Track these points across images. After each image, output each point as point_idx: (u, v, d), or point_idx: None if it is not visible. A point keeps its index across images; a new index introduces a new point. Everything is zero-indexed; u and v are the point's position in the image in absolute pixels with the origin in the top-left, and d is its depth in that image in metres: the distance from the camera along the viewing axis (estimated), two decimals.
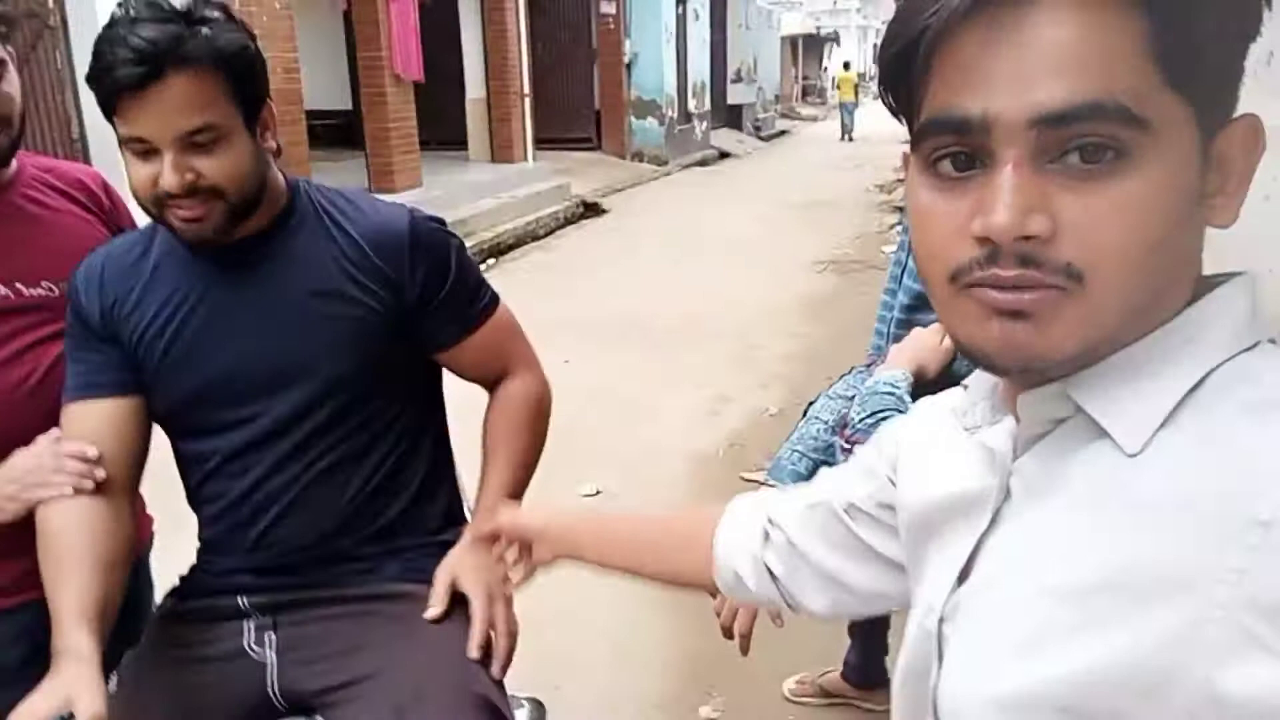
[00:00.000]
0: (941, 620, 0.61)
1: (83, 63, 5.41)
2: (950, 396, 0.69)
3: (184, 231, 1.13)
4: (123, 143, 1.10)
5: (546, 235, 8.92)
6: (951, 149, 0.53)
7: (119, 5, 1.08)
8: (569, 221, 9.59)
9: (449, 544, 1.30)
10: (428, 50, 8.55)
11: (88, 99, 5.70)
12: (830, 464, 1.34)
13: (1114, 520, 0.50)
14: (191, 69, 1.06)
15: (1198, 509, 0.47)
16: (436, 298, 1.25)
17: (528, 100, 10.93)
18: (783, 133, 21.74)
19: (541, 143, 11.78)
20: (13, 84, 1.26)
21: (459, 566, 1.24)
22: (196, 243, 1.15)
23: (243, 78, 1.11)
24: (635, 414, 4.17)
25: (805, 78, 33.71)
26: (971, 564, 0.60)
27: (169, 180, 1.08)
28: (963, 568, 0.60)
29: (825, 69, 35.30)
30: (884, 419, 1.18)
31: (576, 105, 13.82)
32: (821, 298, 6.30)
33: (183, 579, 1.31)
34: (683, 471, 3.59)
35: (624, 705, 2.30)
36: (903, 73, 0.54)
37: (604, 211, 10.26)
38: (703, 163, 15.29)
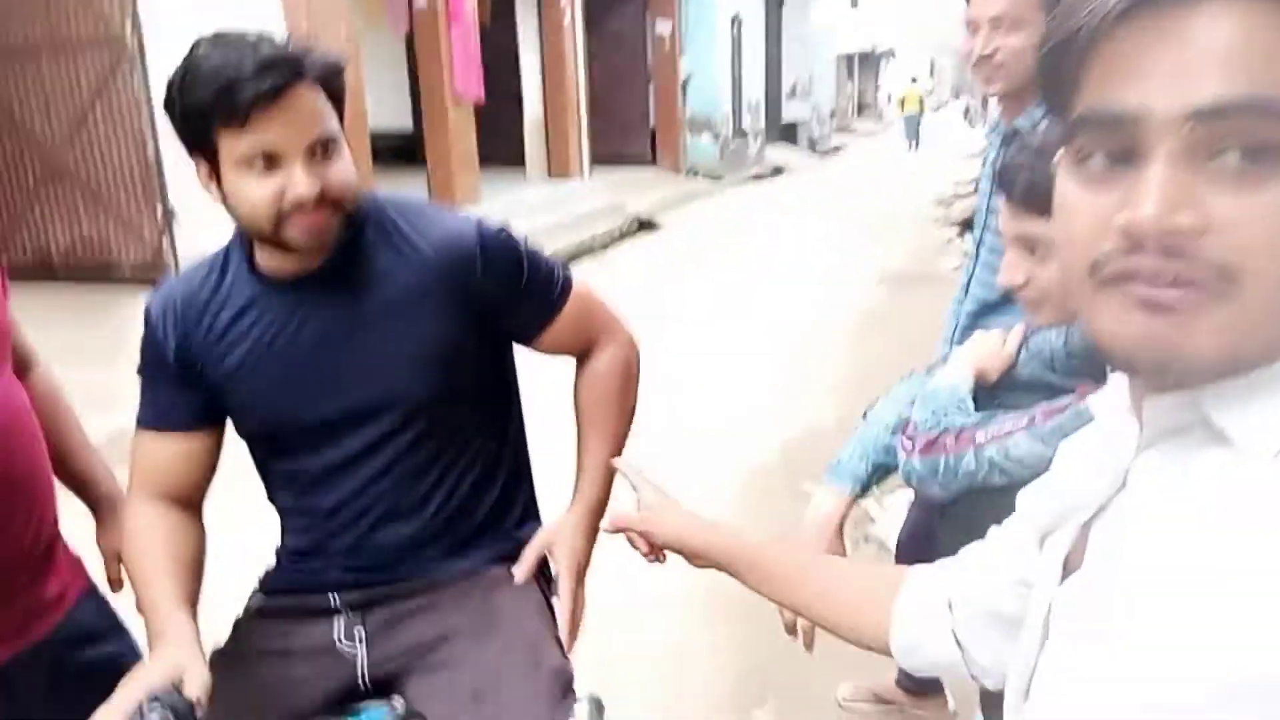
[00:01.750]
0: (1049, 611, 0.60)
1: (158, 85, 5.57)
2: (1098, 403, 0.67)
3: (303, 244, 1.15)
4: (241, 161, 1.10)
5: (602, 250, 9.00)
6: (1103, 144, 0.52)
7: (205, 40, 1.11)
8: (624, 235, 9.67)
9: (525, 540, 1.35)
10: (487, 70, 8.71)
11: (164, 122, 5.90)
12: (890, 466, 1.35)
13: (1229, 526, 0.49)
14: (311, 83, 1.11)
15: None
16: (514, 299, 1.28)
17: (584, 118, 11.06)
18: (838, 148, 21.64)
19: (598, 160, 11.91)
20: None
21: (556, 542, 1.32)
22: (315, 252, 1.18)
23: (340, 96, 1.17)
24: (693, 425, 4.19)
25: (861, 94, 33.56)
26: (1080, 554, 0.60)
27: (305, 187, 1.10)
28: (1069, 554, 0.60)
29: (879, 86, 35.12)
30: (945, 418, 1.19)
31: (632, 123, 13.94)
32: (880, 311, 6.26)
33: (267, 576, 1.37)
34: (741, 482, 3.61)
35: (678, 707, 2.32)
36: (1059, 69, 0.54)
37: (657, 226, 10.32)
38: (757, 178, 15.28)
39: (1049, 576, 0.62)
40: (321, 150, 1.12)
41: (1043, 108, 1.67)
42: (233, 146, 1.10)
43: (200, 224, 5.76)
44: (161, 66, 5.51)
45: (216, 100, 1.07)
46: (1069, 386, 1.25)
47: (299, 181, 1.10)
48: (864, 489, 1.34)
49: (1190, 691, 0.47)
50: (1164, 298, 0.50)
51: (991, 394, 1.31)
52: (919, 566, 0.91)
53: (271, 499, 1.36)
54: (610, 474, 1.38)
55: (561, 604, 1.27)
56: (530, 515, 1.41)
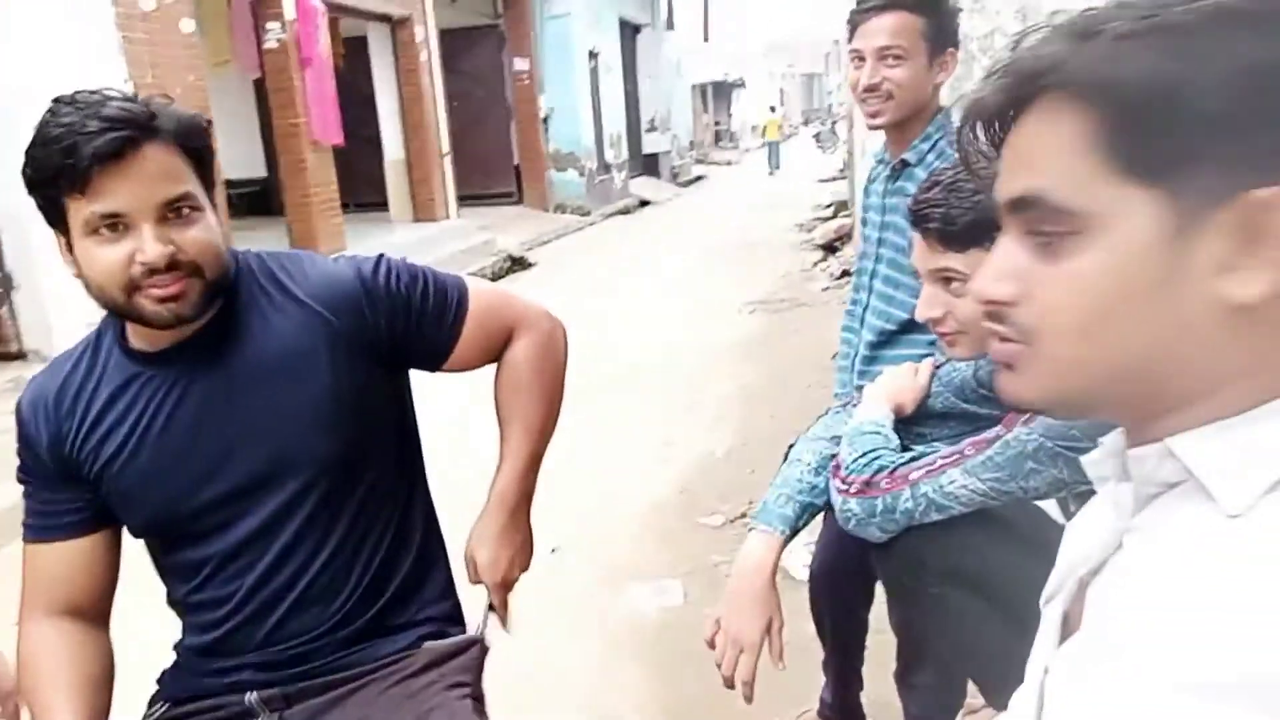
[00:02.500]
0: (1046, 672, 0.61)
1: None
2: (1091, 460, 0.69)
3: (159, 315, 1.07)
4: (86, 228, 1.04)
5: None
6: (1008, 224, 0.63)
7: (61, 100, 1.03)
8: (497, 276, 9.57)
9: (448, 616, 1.29)
10: (343, 113, 8.51)
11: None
12: (817, 505, 1.35)
13: (1212, 579, 0.50)
14: (163, 141, 1.04)
15: None
16: (412, 326, 1.23)
17: (448, 159, 10.93)
18: (699, 178, 22.12)
19: (463, 199, 11.78)
20: None
21: (475, 553, 1.33)
22: (173, 324, 1.10)
23: (203, 155, 1.10)
24: (584, 465, 4.14)
25: (717, 123, 34.48)
26: (1077, 616, 0.60)
27: (152, 251, 1.03)
28: (1067, 614, 0.61)
29: (731, 115, 36.23)
30: (876, 459, 1.21)
31: (496, 161, 13.86)
32: (754, 337, 6.38)
33: (167, 680, 1.25)
34: (638, 521, 3.58)
35: None
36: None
37: (531, 265, 10.26)
38: (625, 211, 15.44)
39: (1047, 638, 0.63)
40: (175, 212, 1.05)
41: (928, 141, 1.74)
42: (79, 211, 1.03)
43: (43, 290, 5.39)
44: None
45: (60, 164, 1.00)
46: (983, 413, 1.29)
47: (147, 245, 1.03)
48: (794, 531, 1.34)
49: None
50: (1001, 354, 0.61)
51: (907, 425, 1.34)
52: None
53: (170, 594, 1.25)
54: (533, 468, 1.34)
55: (498, 614, 1.29)
56: (450, 588, 1.35)
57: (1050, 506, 1.25)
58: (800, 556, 2.82)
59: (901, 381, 1.34)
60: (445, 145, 10.91)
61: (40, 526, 1.18)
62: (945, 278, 1.17)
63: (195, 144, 1.09)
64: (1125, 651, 0.52)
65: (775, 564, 1.34)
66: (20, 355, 5.43)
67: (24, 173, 1.04)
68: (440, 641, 1.26)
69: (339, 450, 1.17)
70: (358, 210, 10.40)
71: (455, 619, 1.34)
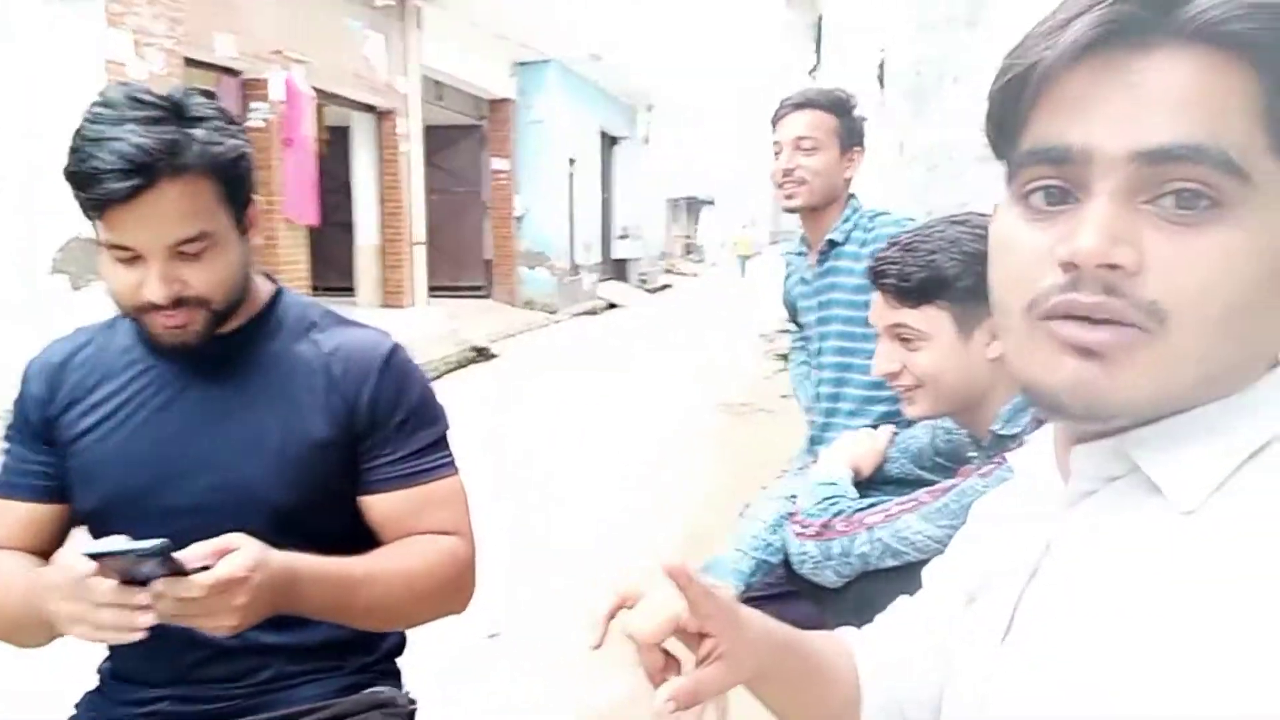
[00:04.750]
0: (986, 679, 0.59)
1: None
2: (1018, 458, 0.66)
3: (164, 339, 1.08)
4: (105, 245, 1.05)
5: (439, 377, 8.85)
6: (1046, 181, 0.53)
7: (100, 97, 1.03)
8: (461, 365, 9.56)
9: (385, 672, 1.25)
10: (321, 198, 8.61)
11: None
12: (769, 563, 1.35)
13: (1163, 577, 0.49)
14: (186, 177, 1.02)
15: (1247, 572, 0.46)
16: (384, 428, 1.17)
17: (421, 248, 11.05)
18: (666, 286, 22.53)
19: (434, 290, 11.86)
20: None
21: (244, 555, 0.95)
22: (178, 348, 1.10)
23: (236, 183, 1.08)
24: (540, 557, 4.07)
25: (686, 237, 35.33)
26: (1013, 620, 0.58)
27: (155, 292, 1.03)
28: (1007, 623, 0.58)
29: (697, 230, 37.27)
30: (833, 504, 1.21)
31: (468, 255, 14.04)
32: (720, 437, 6.40)
33: (85, 706, 1.19)
34: (583, 608, 3.50)
35: None
36: (1009, 106, 0.55)
37: (494, 356, 10.28)
38: (592, 312, 15.62)
39: (985, 641, 0.60)
40: (189, 250, 1.05)
41: (849, 222, 1.84)
42: (99, 229, 1.04)
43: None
44: None
45: (80, 188, 1.01)
46: (939, 481, 1.30)
47: (152, 285, 1.03)
48: (746, 587, 1.33)
49: None
50: (1094, 341, 0.51)
51: (863, 490, 1.35)
52: (850, 630, 0.84)
53: None
54: (346, 595, 1.08)
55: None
56: (400, 642, 1.30)
57: None
58: None
59: (861, 444, 1.36)
60: (421, 234, 11.04)
61: (7, 483, 1.18)
62: (901, 335, 1.20)
63: (231, 174, 1.07)
64: (1082, 671, 0.50)
65: None
66: None
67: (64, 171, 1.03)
68: (366, 692, 1.20)
69: (297, 499, 1.14)
70: (325, 293, 10.41)
71: (392, 674, 1.29)
